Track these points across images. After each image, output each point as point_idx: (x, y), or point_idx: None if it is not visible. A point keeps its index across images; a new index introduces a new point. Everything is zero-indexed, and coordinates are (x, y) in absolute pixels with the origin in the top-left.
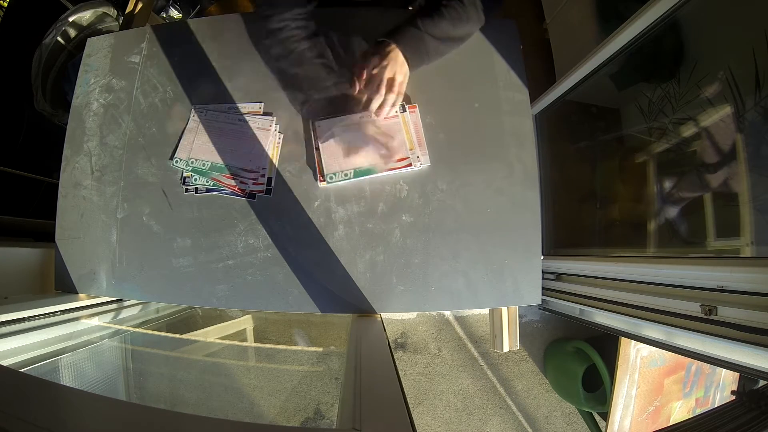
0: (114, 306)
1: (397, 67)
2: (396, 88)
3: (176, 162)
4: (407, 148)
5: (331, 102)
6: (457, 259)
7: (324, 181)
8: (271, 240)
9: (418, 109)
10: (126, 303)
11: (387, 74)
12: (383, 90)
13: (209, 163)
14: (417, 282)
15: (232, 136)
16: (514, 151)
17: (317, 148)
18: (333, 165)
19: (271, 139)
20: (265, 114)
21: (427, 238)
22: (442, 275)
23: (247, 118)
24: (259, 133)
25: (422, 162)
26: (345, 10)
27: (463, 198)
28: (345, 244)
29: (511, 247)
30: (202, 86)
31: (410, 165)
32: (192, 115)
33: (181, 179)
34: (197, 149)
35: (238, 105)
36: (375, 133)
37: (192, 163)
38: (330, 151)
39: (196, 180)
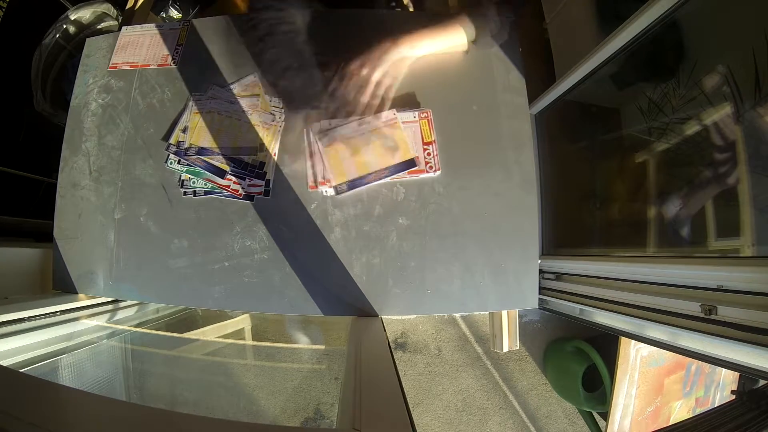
0: (113, 306)
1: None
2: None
3: (170, 164)
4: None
5: (337, 108)
6: (453, 262)
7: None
8: (267, 242)
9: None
10: (125, 303)
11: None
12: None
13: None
14: (413, 285)
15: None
16: (512, 154)
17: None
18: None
19: (273, 139)
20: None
21: (423, 241)
22: (438, 278)
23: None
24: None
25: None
26: (343, 11)
27: (460, 201)
28: (341, 247)
29: (507, 252)
30: (201, 87)
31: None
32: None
33: (179, 182)
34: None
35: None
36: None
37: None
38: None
39: (194, 183)
